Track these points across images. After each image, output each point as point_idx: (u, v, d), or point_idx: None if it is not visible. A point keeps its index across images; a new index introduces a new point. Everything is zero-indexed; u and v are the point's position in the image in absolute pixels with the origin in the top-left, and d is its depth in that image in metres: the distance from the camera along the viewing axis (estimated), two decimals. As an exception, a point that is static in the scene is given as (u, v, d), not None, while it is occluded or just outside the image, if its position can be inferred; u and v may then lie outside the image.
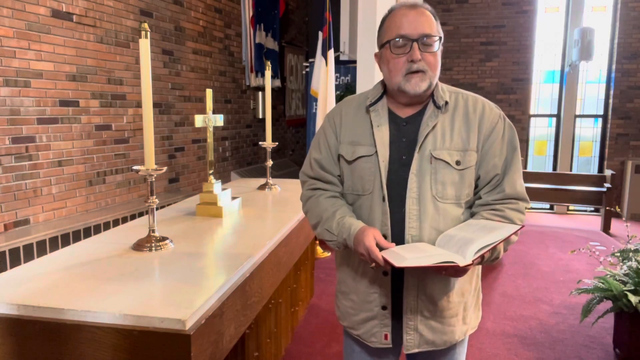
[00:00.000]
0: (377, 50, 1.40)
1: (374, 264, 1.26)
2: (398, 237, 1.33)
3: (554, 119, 7.28)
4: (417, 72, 1.29)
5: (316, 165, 1.48)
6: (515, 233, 1.22)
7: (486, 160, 1.33)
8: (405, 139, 1.35)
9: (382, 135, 1.35)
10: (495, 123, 1.35)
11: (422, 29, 1.28)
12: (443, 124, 1.33)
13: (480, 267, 1.49)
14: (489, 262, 1.32)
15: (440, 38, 1.31)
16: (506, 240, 1.26)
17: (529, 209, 1.40)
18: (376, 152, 1.34)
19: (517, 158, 1.36)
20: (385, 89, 1.42)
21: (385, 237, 1.32)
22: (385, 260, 1.21)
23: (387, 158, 1.34)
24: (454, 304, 1.39)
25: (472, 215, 1.37)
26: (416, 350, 1.40)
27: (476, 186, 1.36)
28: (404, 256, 1.19)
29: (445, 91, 1.38)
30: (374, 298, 1.40)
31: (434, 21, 1.32)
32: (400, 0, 1.38)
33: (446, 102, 1.34)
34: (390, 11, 1.35)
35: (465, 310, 1.43)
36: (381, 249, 1.26)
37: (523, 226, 1.26)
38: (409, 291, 1.36)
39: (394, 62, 1.30)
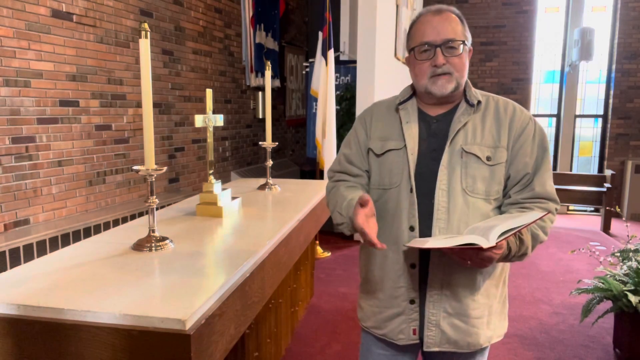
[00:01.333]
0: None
1: (378, 246, 1.22)
2: (426, 230, 1.33)
3: (554, 119, 7.28)
4: (442, 74, 1.32)
5: (344, 160, 1.51)
6: (543, 231, 1.24)
7: (517, 160, 1.34)
8: (436, 135, 1.37)
9: (412, 130, 1.38)
10: (526, 124, 1.36)
11: (445, 34, 1.31)
12: (474, 122, 1.35)
13: (507, 273, 1.46)
14: (517, 259, 1.30)
15: (464, 41, 1.34)
16: (534, 237, 1.28)
17: (558, 211, 1.39)
18: (405, 145, 1.37)
19: (547, 159, 1.37)
20: (414, 91, 1.44)
21: (412, 228, 1.33)
22: (409, 247, 1.24)
23: (416, 151, 1.36)
24: (479, 304, 1.36)
25: (501, 213, 1.37)
26: (436, 349, 1.37)
27: (506, 186, 1.37)
28: (426, 240, 1.20)
29: (478, 93, 1.40)
30: (402, 292, 1.39)
31: (460, 24, 1.35)
32: (429, 6, 1.40)
33: (479, 101, 1.37)
34: (418, 17, 1.38)
35: (490, 314, 1.40)
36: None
37: (548, 212, 1.26)
38: (433, 284, 1.34)
39: (419, 67, 1.34)
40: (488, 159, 1.32)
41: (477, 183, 1.32)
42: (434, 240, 1.20)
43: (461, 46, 1.32)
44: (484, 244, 1.13)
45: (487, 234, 1.16)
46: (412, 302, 1.38)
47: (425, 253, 1.34)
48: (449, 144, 1.33)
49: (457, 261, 1.25)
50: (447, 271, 1.34)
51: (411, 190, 1.34)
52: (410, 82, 1.47)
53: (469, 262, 1.21)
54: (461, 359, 1.43)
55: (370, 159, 1.45)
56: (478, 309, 1.37)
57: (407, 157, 1.35)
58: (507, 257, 1.27)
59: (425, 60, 1.33)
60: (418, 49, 1.33)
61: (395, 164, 1.38)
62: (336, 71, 5.37)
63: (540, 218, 1.19)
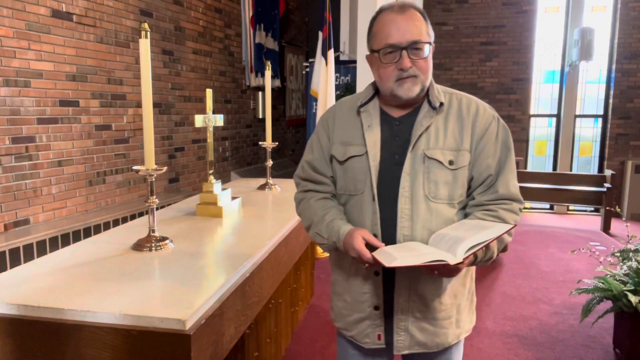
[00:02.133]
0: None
1: (367, 265, 1.26)
2: (390, 237, 1.32)
3: (554, 119, 7.28)
4: (408, 77, 1.29)
5: (308, 167, 1.48)
6: (508, 232, 1.22)
7: (479, 161, 1.32)
8: (398, 138, 1.34)
9: (373, 135, 1.35)
10: (489, 124, 1.34)
11: (410, 36, 1.26)
12: (437, 124, 1.33)
13: (474, 268, 1.47)
14: (483, 263, 1.31)
15: (430, 42, 1.30)
16: (499, 240, 1.26)
17: (523, 209, 1.39)
18: (367, 152, 1.34)
19: (511, 159, 1.35)
20: (377, 90, 1.41)
21: (375, 236, 1.31)
22: (376, 260, 1.21)
23: (378, 158, 1.34)
24: (446, 305, 1.37)
25: (465, 216, 1.36)
26: (407, 352, 1.39)
27: (469, 187, 1.35)
28: (394, 256, 1.19)
29: (440, 92, 1.36)
30: (366, 298, 1.39)
31: (424, 23, 1.30)
32: None
33: (441, 103, 1.34)
34: (379, 13, 1.32)
35: (459, 313, 1.41)
36: (373, 248, 1.26)
37: (515, 225, 1.25)
38: (400, 291, 1.35)
39: (384, 70, 1.30)
40: (450, 163, 1.30)
41: (439, 188, 1.30)
42: (401, 258, 1.18)
43: (427, 47, 1.29)
44: (451, 260, 1.12)
45: (454, 248, 1.15)
46: (376, 308, 1.39)
47: None
48: (411, 149, 1.31)
49: (424, 271, 1.26)
50: (413, 277, 1.34)
51: (373, 199, 1.32)
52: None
53: (436, 272, 1.22)
54: (434, 358, 1.44)
55: (334, 165, 1.43)
56: (445, 310, 1.38)
57: (368, 164, 1.33)
58: (472, 264, 1.28)
59: (390, 64, 1.28)
60: (383, 52, 1.28)
61: (358, 171, 1.36)
62: (336, 71, 5.37)
63: (507, 232, 1.19)
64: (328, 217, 1.38)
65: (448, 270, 1.19)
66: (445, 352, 1.44)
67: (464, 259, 1.13)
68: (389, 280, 1.36)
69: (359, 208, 1.36)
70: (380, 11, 1.32)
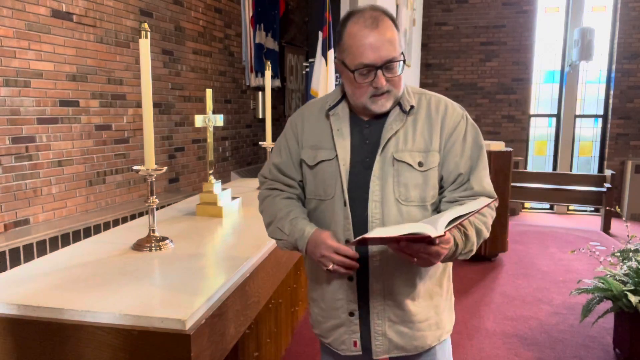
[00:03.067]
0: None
1: (331, 266, 1.24)
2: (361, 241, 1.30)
3: (554, 119, 7.28)
4: (382, 94, 1.27)
5: (275, 170, 1.46)
6: (486, 226, 1.23)
7: (448, 160, 1.31)
8: (368, 141, 1.33)
9: (343, 138, 1.33)
10: (457, 123, 1.33)
11: (386, 54, 1.22)
12: (406, 127, 1.32)
13: (450, 267, 1.45)
14: (463, 256, 1.27)
15: (403, 59, 1.27)
16: (478, 234, 1.26)
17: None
18: (337, 155, 1.32)
19: (482, 156, 1.34)
20: (345, 93, 1.38)
21: (347, 241, 1.30)
22: (349, 251, 1.21)
23: (348, 162, 1.32)
24: (422, 307, 1.36)
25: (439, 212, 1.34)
26: (386, 356, 1.38)
27: (441, 187, 1.34)
28: (370, 233, 1.17)
29: (411, 94, 1.35)
30: (341, 304, 1.37)
31: (396, 34, 1.26)
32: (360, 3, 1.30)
33: (412, 107, 1.32)
34: (349, 21, 1.27)
35: (437, 314, 1.40)
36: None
37: (496, 199, 1.24)
38: (375, 295, 1.33)
39: (358, 87, 1.27)
40: (420, 164, 1.29)
41: (410, 191, 1.29)
42: (378, 230, 1.16)
43: (400, 64, 1.26)
44: (432, 232, 1.07)
45: (434, 223, 1.11)
46: (351, 314, 1.37)
47: (363, 264, 1.31)
48: (380, 153, 1.29)
49: (402, 258, 1.18)
50: (386, 281, 1.32)
51: (345, 204, 1.30)
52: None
53: (415, 259, 1.15)
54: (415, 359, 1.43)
55: (304, 169, 1.41)
56: (421, 313, 1.36)
57: (339, 168, 1.31)
58: (453, 255, 1.24)
59: (365, 83, 1.26)
60: (358, 72, 1.25)
61: (328, 175, 1.34)
62: (336, 71, 5.37)
63: (488, 205, 1.16)
64: (292, 214, 1.37)
65: (428, 254, 1.14)
66: (429, 353, 1.42)
67: (446, 231, 1.09)
68: (362, 286, 1.34)
69: (330, 213, 1.34)
70: (351, 18, 1.27)
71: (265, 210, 1.46)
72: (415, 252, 1.14)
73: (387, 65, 1.24)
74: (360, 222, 1.30)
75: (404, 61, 1.27)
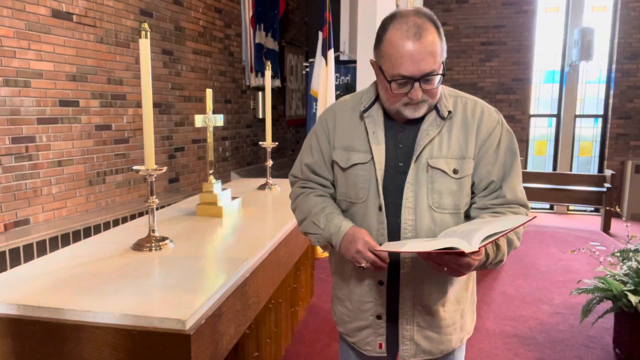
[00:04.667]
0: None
1: (364, 264, 1.23)
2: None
3: (554, 119, 7.28)
4: (417, 103, 1.24)
5: (307, 170, 1.44)
6: (517, 236, 1.19)
7: (480, 167, 1.29)
8: (402, 145, 1.30)
9: (378, 142, 1.30)
10: (492, 129, 1.30)
11: (425, 67, 1.17)
12: (441, 132, 1.29)
13: (475, 272, 1.45)
14: (493, 266, 1.26)
15: (443, 73, 1.22)
16: (509, 243, 1.23)
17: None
18: (372, 159, 1.29)
19: (516, 164, 1.32)
20: (378, 94, 1.35)
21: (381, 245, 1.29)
22: (383, 253, 1.19)
23: (384, 166, 1.29)
24: (450, 313, 1.36)
25: (470, 219, 1.33)
26: None
27: (472, 192, 1.32)
28: (404, 244, 1.16)
29: (448, 97, 1.31)
30: (369, 307, 1.37)
31: (439, 44, 1.19)
32: (404, 7, 1.22)
33: (449, 112, 1.28)
34: (390, 26, 1.20)
35: (462, 317, 1.40)
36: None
37: (535, 217, 1.20)
38: (405, 301, 1.33)
39: (393, 95, 1.24)
40: (455, 171, 1.26)
41: (443, 198, 1.27)
42: (412, 243, 1.14)
43: (439, 77, 1.21)
44: (466, 248, 1.06)
45: (469, 237, 1.09)
46: (379, 317, 1.37)
47: (394, 269, 1.31)
48: (415, 159, 1.26)
49: (432, 267, 1.18)
50: (417, 287, 1.32)
51: (380, 209, 1.28)
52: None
53: (445, 268, 1.14)
54: None
55: (335, 170, 1.38)
56: (449, 317, 1.37)
57: (374, 172, 1.29)
58: (484, 265, 1.22)
59: (401, 93, 1.22)
60: (394, 83, 1.21)
61: (361, 178, 1.31)
62: (336, 71, 5.37)
63: (527, 222, 1.12)
64: (328, 209, 1.35)
65: (459, 266, 1.13)
66: (449, 356, 1.43)
67: (480, 247, 1.06)
68: (392, 290, 1.34)
69: (361, 216, 1.33)
70: (392, 24, 1.20)
71: (298, 206, 1.44)
72: (446, 263, 1.13)
73: (425, 78, 1.19)
74: (393, 227, 1.29)
75: (444, 74, 1.23)
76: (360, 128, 1.34)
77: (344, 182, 1.37)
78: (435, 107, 1.29)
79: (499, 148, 1.30)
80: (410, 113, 1.25)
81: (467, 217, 1.33)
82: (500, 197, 1.29)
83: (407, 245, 1.14)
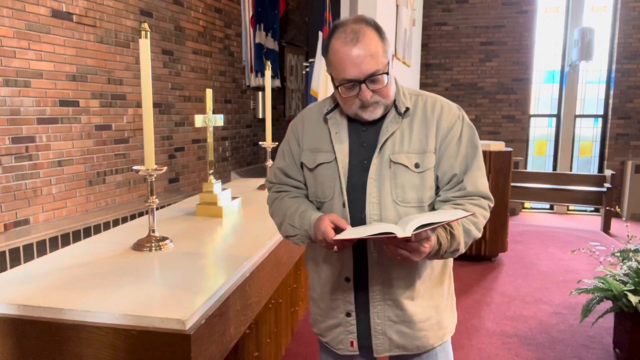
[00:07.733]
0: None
1: (335, 248, 1.25)
2: (361, 241, 1.32)
3: (554, 119, 7.28)
4: (370, 105, 1.29)
5: (280, 173, 1.48)
6: (476, 228, 1.24)
7: (443, 161, 1.33)
8: (365, 144, 1.34)
9: (341, 142, 1.35)
10: (452, 124, 1.34)
11: (367, 69, 1.23)
12: (402, 128, 1.33)
13: (450, 266, 1.46)
14: (449, 255, 1.28)
15: (387, 71, 1.27)
16: (467, 234, 1.27)
17: (492, 207, 1.37)
18: (335, 158, 1.34)
19: (478, 157, 1.34)
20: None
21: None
22: (336, 240, 1.21)
23: (347, 164, 1.34)
24: (422, 307, 1.37)
25: None
26: (387, 354, 1.39)
27: (437, 187, 1.35)
28: (346, 233, 1.19)
29: (407, 95, 1.36)
30: (338, 305, 1.39)
31: (380, 45, 1.25)
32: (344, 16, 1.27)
33: (407, 108, 1.33)
34: (332, 37, 1.27)
35: (439, 314, 1.41)
36: (339, 230, 1.24)
37: (473, 214, 1.25)
38: (374, 295, 1.35)
39: (346, 100, 1.29)
40: (416, 166, 1.31)
41: (407, 192, 1.31)
42: (351, 230, 1.19)
43: (385, 76, 1.26)
44: (399, 233, 1.11)
45: (405, 225, 1.15)
46: (348, 314, 1.39)
47: (361, 265, 1.34)
48: (377, 155, 1.31)
49: (388, 255, 1.22)
50: (385, 281, 1.34)
51: (344, 205, 1.32)
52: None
53: (399, 257, 1.18)
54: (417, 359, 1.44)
55: (304, 172, 1.43)
56: (422, 313, 1.37)
57: (337, 171, 1.33)
58: (438, 253, 1.24)
59: (351, 96, 1.28)
60: (342, 87, 1.27)
61: (327, 177, 1.36)
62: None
63: (463, 218, 1.17)
64: (301, 208, 1.38)
65: (408, 252, 1.17)
66: (430, 354, 1.43)
67: (413, 234, 1.11)
68: (362, 286, 1.36)
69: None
70: (334, 34, 1.27)
71: (275, 211, 1.48)
72: (392, 250, 1.18)
73: (371, 79, 1.25)
74: (359, 223, 1.32)
75: (387, 73, 1.27)
76: (325, 130, 1.39)
77: (312, 182, 1.41)
78: (395, 105, 1.34)
79: (460, 142, 1.34)
80: (368, 115, 1.31)
81: (434, 210, 1.35)
82: (461, 189, 1.32)
83: (344, 234, 1.17)
